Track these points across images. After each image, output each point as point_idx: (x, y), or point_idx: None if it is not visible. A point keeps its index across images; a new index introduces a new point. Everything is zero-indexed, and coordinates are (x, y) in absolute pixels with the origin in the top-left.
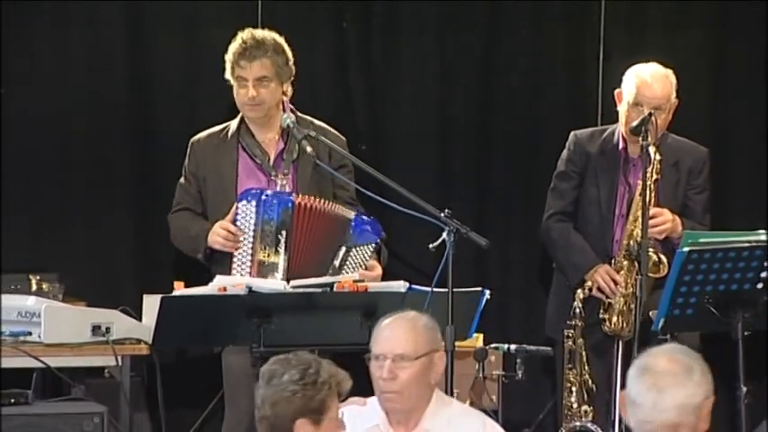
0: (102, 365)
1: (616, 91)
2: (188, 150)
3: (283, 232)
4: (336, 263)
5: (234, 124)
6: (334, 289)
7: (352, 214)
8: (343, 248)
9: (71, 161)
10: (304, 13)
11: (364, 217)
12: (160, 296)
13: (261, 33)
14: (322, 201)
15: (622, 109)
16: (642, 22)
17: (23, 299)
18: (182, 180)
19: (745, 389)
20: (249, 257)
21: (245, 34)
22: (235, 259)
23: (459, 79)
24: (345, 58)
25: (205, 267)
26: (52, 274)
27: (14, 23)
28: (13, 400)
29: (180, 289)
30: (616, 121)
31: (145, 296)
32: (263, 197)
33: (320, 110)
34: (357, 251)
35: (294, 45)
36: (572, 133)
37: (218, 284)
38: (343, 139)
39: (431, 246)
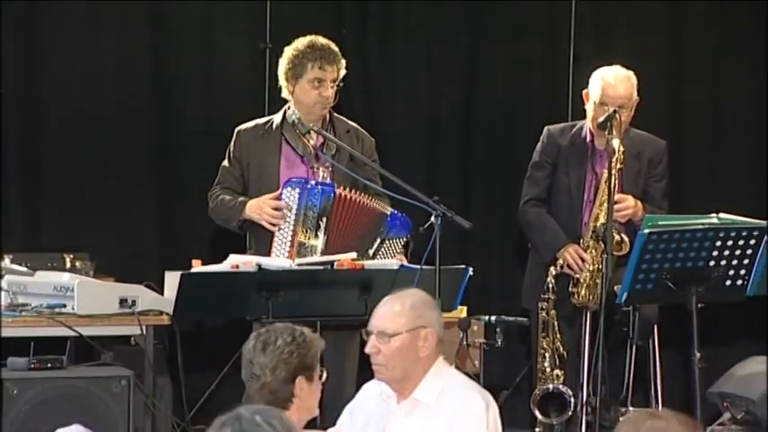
0: (128, 334)
1: (584, 91)
2: (234, 137)
3: (324, 218)
4: (371, 252)
5: (277, 119)
6: (335, 267)
7: (388, 210)
8: (378, 240)
9: (102, 154)
10: (307, 21)
11: (399, 213)
12: (180, 273)
13: (324, 39)
14: (362, 194)
15: (589, 107)
16: (608, 29)
17: (59, 275)
18: (225, 163)
19: (698, 354)
20: (289, 240)
21: (312, 39)
22: (275, 241)
23: (445, 81)
24: (345, 60)
25: (220, 248)
26: (84, 253)
27: (54, 28)
28: (49, 365)
29: (197, 266)
30: (585, 117)
31: (166, 273)
32: (308, 185)
33: None
34: (390, 243)
35: None
36: (545, 128)
37: (232, 262)
38: (372, 139)
39: (420, 228)
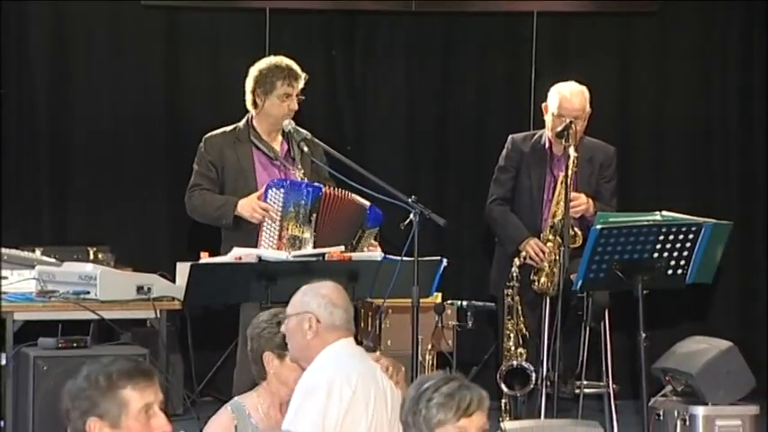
0: (144, 317)
1: (544, 104)
2: (203, 144)
3: (314, 215)
4: (354, 242)
5: (242, 126)
6: (326, 258)
7: (367, 204)
8: (360, 231)
9: (122, 160)
10: (301, 45)
11: (374, 206)
12: (190, 263)
13: (287, 59)
14: (345, 192)
15: (548, 118)
16: (565, 51)
17: (83, 265)
18: (197, 168)
19: (644, 335)
20: (277, 234)
21: (277, 60)
22: (264, 236)
23: (422, 95)
24: (334, 79)
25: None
26: (106, 246)
27: (80, 49)
28: (75, 344)
29: (205, 258)
30: (544, 127)
31: (178, 263)
32: (297, 186)
33: (316, 118)
34: (368, 234)
35: None
36: (510, 136)
37: (235, 254)
38: (323, 145)
39: (401, 224)
